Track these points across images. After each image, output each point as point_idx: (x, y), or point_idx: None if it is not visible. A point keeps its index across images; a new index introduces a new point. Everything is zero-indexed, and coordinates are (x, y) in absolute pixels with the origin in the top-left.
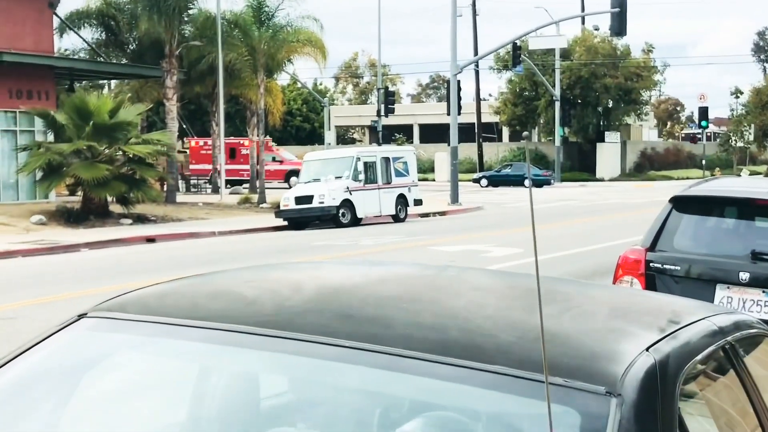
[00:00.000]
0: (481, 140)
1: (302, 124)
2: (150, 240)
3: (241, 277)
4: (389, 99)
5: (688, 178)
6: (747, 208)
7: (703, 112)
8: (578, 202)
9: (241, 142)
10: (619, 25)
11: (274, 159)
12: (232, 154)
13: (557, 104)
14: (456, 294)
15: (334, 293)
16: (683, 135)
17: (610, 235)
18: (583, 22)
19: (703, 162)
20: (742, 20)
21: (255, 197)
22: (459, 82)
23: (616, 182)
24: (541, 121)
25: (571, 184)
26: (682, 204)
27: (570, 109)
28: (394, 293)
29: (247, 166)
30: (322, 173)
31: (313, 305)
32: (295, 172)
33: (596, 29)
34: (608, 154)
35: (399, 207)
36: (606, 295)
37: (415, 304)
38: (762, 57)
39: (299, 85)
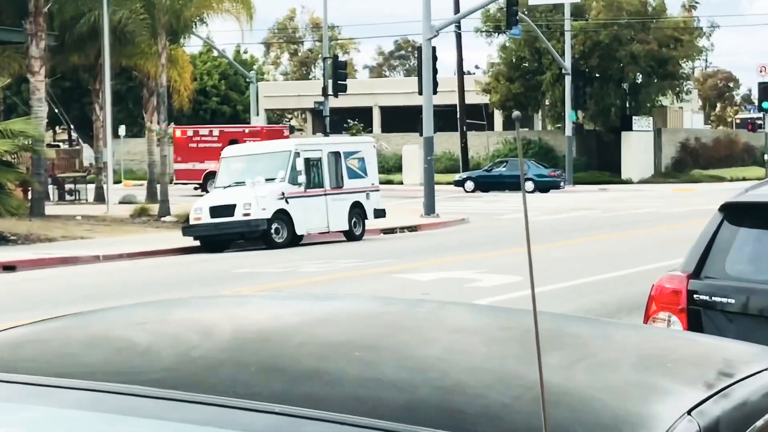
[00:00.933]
0: (465, 128)
1: (220, 107)
2: (8, 268)
3: (132, 317)
4: (339, 72)
5: (744, 179)
6: None
7: (765, 89)
8: (597, 211)
9: (245, 130)
10: None
11: None
12: None
13: (568, 79)
14: (429, 338)
15: (260, 339)
16: (738, 121)
17: (640, 257)
18: None
19: (766, 157)
20: None
21: (155, 207)
22: (435, 49)
23: (648, 185)
24: (547, 103)
25: (588, 188)
26: (736, 213)
27: (585, 86)
28: (343, 338)
29: None
30: (248, 174)
31: (230, 355)
32: None
33: None
34: (637, 147)
35: (354, 220)
36: (634, 339)
37: (372, 352)
38: None
39: (216, 53)
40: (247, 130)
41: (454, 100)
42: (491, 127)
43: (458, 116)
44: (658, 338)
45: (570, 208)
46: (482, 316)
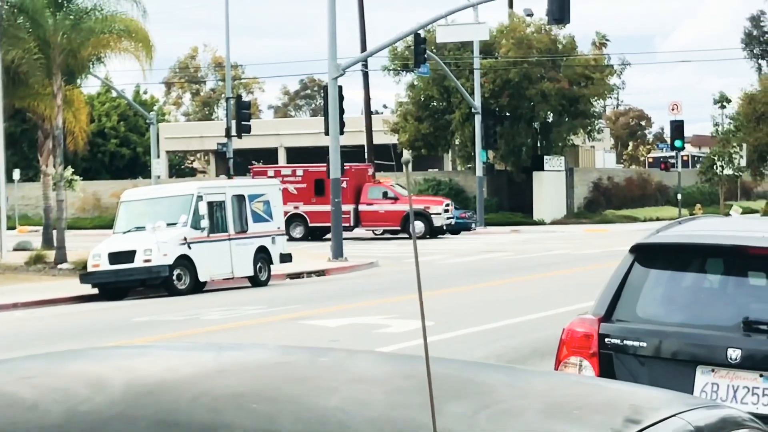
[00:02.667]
0: (373, 169)
1: (119, 149)
2: None
3: (19, 370)
4: (243, 113)
5: (658, 219)
6: (736, 260)
7: (678, 127)
8: (509, 253)
9: None
10: (559, 10)
11: (385, 195)
12: (319, 188)
13: (478, 119)
14: (329, 388)
15: (153, 391)
16: (650, 160)
17: (553, 300)
18: (510, 6)
19: (679, 196)
20: (728, 2)
21: (51, 254)
22: (341, 88)
23: (561, 225)
24: (457, 143)
25: (500, 229)
26: (647, 255)
27: (495, 126)
28: (240, 389)
29: (345, 207)
30: (149, 219)
31: (121, 409)
32: (418, 215)
33: (529, 15)
34: (549, 188)
35: (259, 265)
36: (541, 386)
37: (269, 403)
38: (756, 51)
39: (114, 94)
40: None
41: (361, 140)
42: (400, 168)
43: (366, 157)
44: (565, 385)
45: (481, 251)
46: (385, 365)
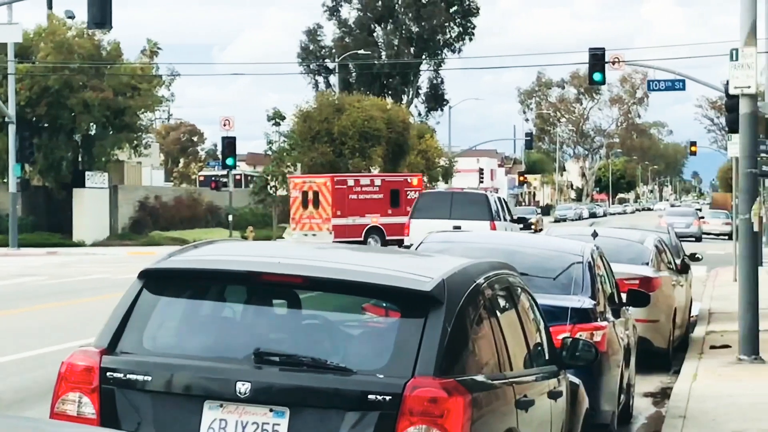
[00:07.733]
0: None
1: None
2: None
3: None
4: None
5: None
6: (252, 288)
7: (230, 144)
8: (44, 278)
9: (408, 180)
10: (101, 14)
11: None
12: (394, 199)
13: (12, 129)
14: None
15: None
16: (202, 178)
17: (78, 330)
18: (50, 6)
19: (230, 218)
20: (288, 12)
21: None
22: None
23: (103, 247)
24: None
25: (35, 251)
26: (157, 282)
27: (33, 137)
28: None
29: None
30: None
31: None
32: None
33: (71, 17)
34: (91, 206)
35: None
36: None
37: None
38: (312, 66)
39: None
40: (407, 179)
41: None
42: None
43: None
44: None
45: (12, 275)
46: None
